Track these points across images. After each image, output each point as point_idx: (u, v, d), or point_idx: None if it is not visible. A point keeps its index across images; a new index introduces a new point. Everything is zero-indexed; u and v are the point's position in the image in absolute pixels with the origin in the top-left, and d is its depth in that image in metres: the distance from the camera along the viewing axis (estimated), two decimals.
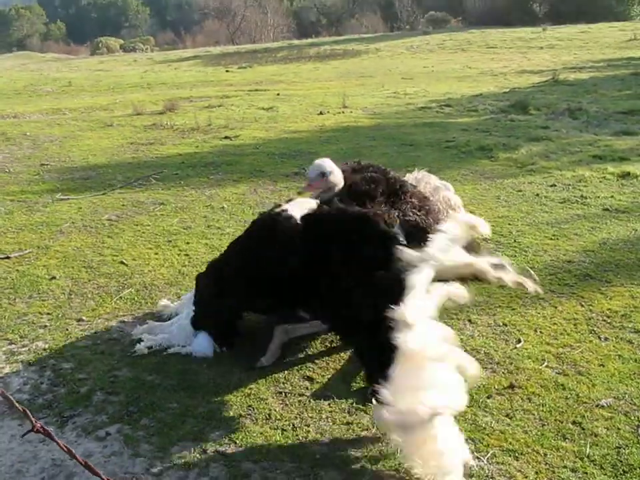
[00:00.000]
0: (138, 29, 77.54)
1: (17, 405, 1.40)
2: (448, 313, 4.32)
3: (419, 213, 3.70)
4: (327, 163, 3.89)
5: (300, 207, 3.68)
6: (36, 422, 1.36)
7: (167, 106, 14.24)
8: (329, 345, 4.01)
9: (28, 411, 1.41)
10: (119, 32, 73.48)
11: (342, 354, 3.91)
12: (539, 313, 4.32)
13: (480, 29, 40.93)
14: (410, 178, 4.17)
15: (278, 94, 17.38)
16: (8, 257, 5.59)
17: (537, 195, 7.05)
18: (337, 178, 3.84)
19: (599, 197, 6.86)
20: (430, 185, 4.23)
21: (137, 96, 18.31)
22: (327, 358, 3.87)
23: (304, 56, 34.39)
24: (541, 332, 4.09)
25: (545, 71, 20.30)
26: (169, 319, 4.26)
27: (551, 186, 7.37)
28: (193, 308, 3.94)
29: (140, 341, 4.02)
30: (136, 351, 3.93)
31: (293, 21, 64.80)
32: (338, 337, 3.85)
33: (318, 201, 3.74)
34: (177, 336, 3.98)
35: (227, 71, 28.37)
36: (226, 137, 11.09)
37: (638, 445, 3.00)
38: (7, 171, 9.05)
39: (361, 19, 59.96)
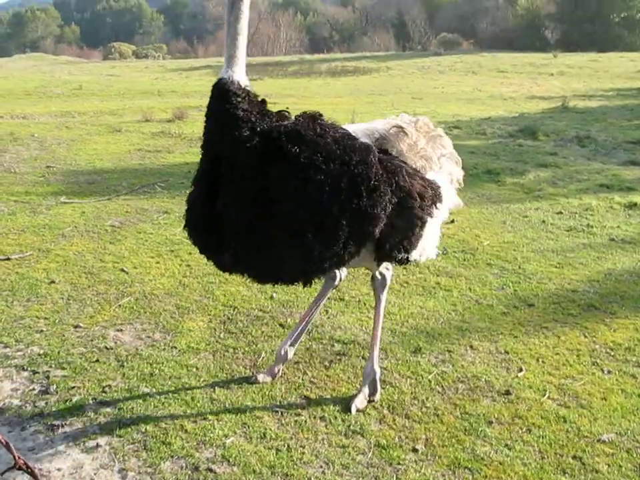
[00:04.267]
0: (151, 36, 77.88)
1: None
2: (449, 338, 4.29)
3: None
4: None
5: None
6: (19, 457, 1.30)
7: (176, 114, 14.23)
8: (328, 365, 3.95)
9: None
10: (133, 38, 73.79)
11: (340, 374, 3.85)
12: (541, 342, 4.26)
13: (491, 53, 41.18)
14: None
15: (287, 108, 17.22)
16: (8, 259, 5.55)
17: (543, 221, 7.00)
18: None
19: (605, 227, 6.82)
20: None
21: (147, 102, 18.34)
22: (325, 378, 3.81)
23: (315, 71, 34.49)
24: (543, 362, 4.03)
25: (554, 97, 20.32)
26: None
27: (558, 213, 7.33)
28: None
29: None
30: None
31: (305, 35, 65.26)
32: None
33: None
34: None
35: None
36: None
37: None
38: (13, 171, 9.04)
39: (373, 36, 60.33)
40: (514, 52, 41.96)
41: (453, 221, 6.71)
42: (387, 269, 3.67)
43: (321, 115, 3.27)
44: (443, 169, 3.71)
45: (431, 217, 3.42)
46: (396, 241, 3.29)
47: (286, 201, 3.01)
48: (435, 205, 3.42)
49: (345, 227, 3.05)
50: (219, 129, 3.06)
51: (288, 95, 22.04)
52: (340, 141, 3.13)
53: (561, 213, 7.35)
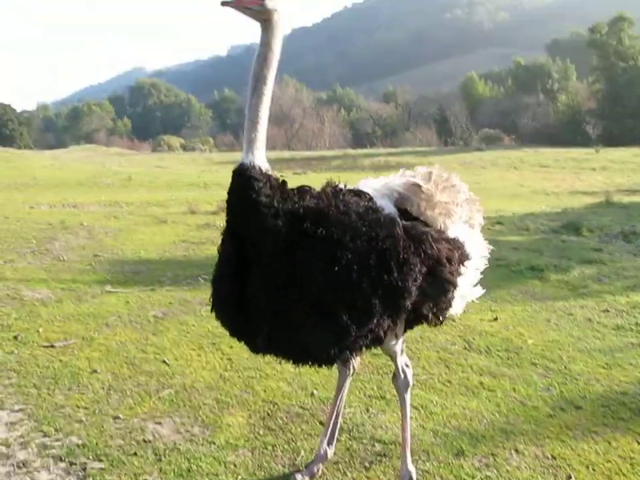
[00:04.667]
0: (199, 130, 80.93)
1: None
2: (493, 441, 4.15)
3: None
4: None
5: None
6: None
7: (221, 206, 14.49)
8: (368, 466, 3.85)
9: None
10: (181, 131, 76.85)
11: (381, 476, 3.75)
12: (591, 448, 4.08)
13: (533, 148, 41.49)
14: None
15: None
16: (52, 346, 5.64)
17: (589, 319, 6.84)
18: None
19: None
20: None
21: (193, 194, 18.86)
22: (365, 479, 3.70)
23: (358, 165, 35.06)
24: (593, 469, 3.85)
25: (597, 192, 20.27)
26: None
27: (604, 311, 7.16)
28: None
29: None
30: None
31: (349, 130, 66.97)
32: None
33: None
34: None
35: (281, 176, 29.01)
36: None
37: None
38: (61, 259, 9.30)
39: (415, 132, 61.57)
40: (556, 147, 42.29)
41: (496, 319, 6.63)
42: (407, 365, 3.63)
43: (342, 190, 3.29)
44: (463, 217, 3.74)
45: (461, 275, 3.42)
46: (429, 307, 3.30)
47: (314, 282, 3.00)
48: (463, 264, 3.43)
49: (377, 304, 3.04)
50: (242, 215, 3.11)
51: None
52: (364, 216, 3.13)
53: (607, 310, 7.18)
